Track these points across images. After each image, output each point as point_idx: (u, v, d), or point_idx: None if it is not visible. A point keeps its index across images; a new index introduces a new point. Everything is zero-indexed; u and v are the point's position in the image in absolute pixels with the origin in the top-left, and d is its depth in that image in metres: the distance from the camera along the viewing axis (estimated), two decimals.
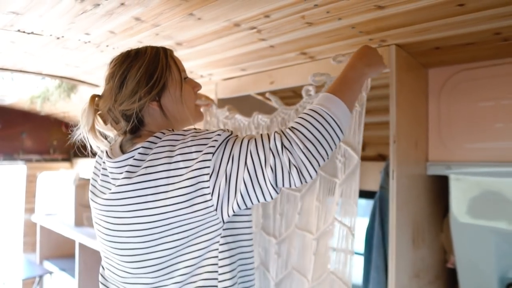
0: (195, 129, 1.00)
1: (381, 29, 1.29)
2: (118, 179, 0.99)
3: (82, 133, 1.05)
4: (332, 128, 0.95)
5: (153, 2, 1.20)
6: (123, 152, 1.04)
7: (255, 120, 1.76)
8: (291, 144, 0.91)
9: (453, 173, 1.56)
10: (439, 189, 1.70)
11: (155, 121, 1.08)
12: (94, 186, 1.11)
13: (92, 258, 3.25)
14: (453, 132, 1.57)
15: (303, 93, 1.53)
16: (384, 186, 1.64)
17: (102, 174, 1.07)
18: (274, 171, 0.90)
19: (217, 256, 0.96)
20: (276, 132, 0.95)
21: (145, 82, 1.03)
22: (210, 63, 1.82)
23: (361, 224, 1.77)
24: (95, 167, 1.16)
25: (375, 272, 1.58)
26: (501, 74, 1.46)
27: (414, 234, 1.52)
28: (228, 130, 0.99)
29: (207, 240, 0.96)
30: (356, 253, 2.54)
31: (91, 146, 1.07)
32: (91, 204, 1.10)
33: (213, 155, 0.92)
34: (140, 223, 0.95)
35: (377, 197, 1.67)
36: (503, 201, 1.47)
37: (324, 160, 0.93)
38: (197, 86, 1.19)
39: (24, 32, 1.52)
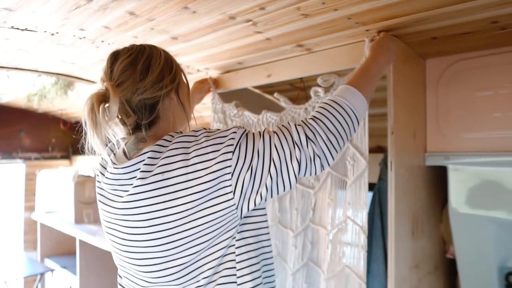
0: (204, 129, 0.98)
1: (378, 19, 1.28)
2: (129, 185, 0.95)
3: (90, 139, 0.92)
4: (352, 121, 1.00)
5: None
6: (128, 158, 0.99)
7: (264, 117, 1.77)
8: (314, 136, 0.94)
9: (451, 163, 1.55)
10: (438, 179, 1.70)
11: (170, 116, 1.04)
12: (102, 195, 1.05)
13: (93, 255, 3.26)
14: (451, 122, 1.56)
15: (312, 93, 1.56)
16: (383, 178, 1.63)
17: (108, 183, 1.01)
18: (299, 163, 0.93)
19: (234, 252, 0.96)
20: (297, 124, 0.96)
21: (169, 70, 1.02)
22: (206, 57, 1.81)
23: None
24: (98, 175, 1.09)
25: (375, 263, 1.58)
26: (499, 63, 1.46)
27: (413, 225, 1.52)
28: (241, 127, 0.98)
29: (227, 238, 0.95)
30: None
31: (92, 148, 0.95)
32: (102, 214, 1.05)
33: (233, 154, 0.91)
34: (159, 231, 0.92)
35: (376, 189, 1.66)
36: (501, 190, 1.46)
37: (341, 150, 0.97)
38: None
39: (18, 28, 1.51)
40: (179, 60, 1.84)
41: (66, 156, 4.58)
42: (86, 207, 3.57)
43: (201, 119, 2.96)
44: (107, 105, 0.92)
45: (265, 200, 0.95)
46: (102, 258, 3.24)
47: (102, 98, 0.92)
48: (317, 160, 0.94)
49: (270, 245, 1.06)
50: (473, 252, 1.58)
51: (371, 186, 1.76)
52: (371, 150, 2.34)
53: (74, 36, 1.60)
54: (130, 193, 0.94)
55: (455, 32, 1.34)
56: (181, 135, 0.96)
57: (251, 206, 0.93)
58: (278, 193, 0.95)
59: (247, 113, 1.85)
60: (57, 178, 3.85)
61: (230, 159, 0.91)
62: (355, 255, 1.44)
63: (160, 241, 0.92)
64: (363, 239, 1.41)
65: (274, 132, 0.97)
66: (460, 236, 1.60)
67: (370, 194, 1.73)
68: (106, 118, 0.91)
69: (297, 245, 1.68)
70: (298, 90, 2.01)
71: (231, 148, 0.91)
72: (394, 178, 1.37)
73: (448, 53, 1.56)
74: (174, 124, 1.06)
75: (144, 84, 0.97)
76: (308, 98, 2.09)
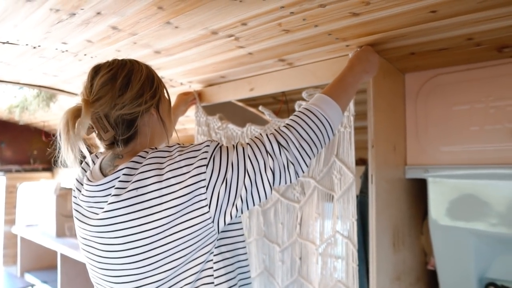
0: (178, 144, 0.99)
1: (357, 35, 1.31)
2: (104, 202, 0.95)
3: (64, 154, 0.93)
4: (325, 128, 1.00)
5: (129, 11, 1.20)
6: (104, 175, 0.99)
7: (248, 130, 1.78)
8: (287, 142, 0.96)
9: (430, 176, 1.58)
10: (419, 192, 1.72)
11: (148, 132, 1.03)
12: (78, 212, 1.04)
13: (74, 269, 3.21)
14: (430, 135, 1.59)
15: (296, 107, 1.57)
16: (364, 191, 1.65)
17: (84, 200, 1.00)
18: (273, 172, 0.94)
19: (212, 267, 0.96)
20: (269, 133, 0.97)
21: (149, 85, 1.02)
22: (189, 71, 1.82)
23: None
24: (75, 190, 1.09)
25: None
26: (475, 78, 1.49)
27: (394, 237, 1.53)
28: (214, 140, 0.98)
29: (204, 253, 0.94)
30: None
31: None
32: (78, 230, 1.05)
33: (207, 167, 0.91)
34: (134, 247, 0.91)
35: (358, 201, 1.68)
36: (479, 203, 1.49)
37: (314, 158, 0.98)
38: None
39: None
40: (162, 73, 1.86)
41: (48, 169, 4.52)
42: (68, 220, 3.52)
43: (185, 131, 2.96)
44: (79, 120, 0.93)
45: (241, 212, 0.95)
46: (84, 272, 3.19)
47: (77, 113, 0.93)
48: (291, 168, 0.95)
49: (246, 259, 1.07)
50: (453, 264, 1.60)
51: None
52: None
53: (56, 49, 1.60)
54: (105, 210, 0.93)
55: (432, 48, 1.38)
56: (155, 150, 0.96)
57: (228, 219, 0.93)
58: (254, 204, 0.96)
59: (231, 126, 1.86)
60: (39, 191, 3.80)
61: (204, 172, 0.91)
62: (346, 270, 1.45)
63: (136, 258, 0.92)
64: (353, 253, 1.42)
65: (247, 143, 0.98)
66: (440, 247, 1.62)
67: None
68: (79, 133, 0.92)
69: (284, 260, 1.67)
70: (280, 103, 2.04)
71: (204, 162, 0.92)
72: (375, 191, 1.39)
73: (426, 68, 1.59)
74: (152, 140, 1.05)
75: (123, 99, 0.96)
76: (290, 111, 2.11)
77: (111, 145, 1.01)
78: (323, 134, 1.00)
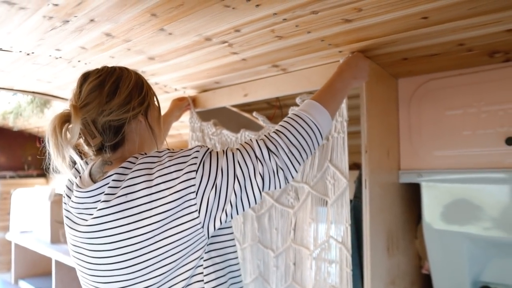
0: (168, 149, 0.99)
1: (349, 41, 1.32)
2: (94, 208, 0.94)
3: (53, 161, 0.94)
4: (314, 134, 1.01)
5: (122, 18, 1.20)
6: (93, 181, 0.99)
7: (243, 136, 1.78)
8: (276, 148, 0.96)
9: (424, 180, 1.59)
10: (412, 196, 1.73)
11: (136, 139, 1.04)
12: (69, 218, 1.04)
13: (69, 275, 3.19)
14: (423, 140, 1.60)
15: (290, 112, 1.57)
16: (358, 195, 1.66)
17: (74, 207, 1.00)
18: (262, 178, 0.94)
19: (202, 272, 0.96)
20: (258, 139, 0.98)
21: (137, 92, 1.02)
22: (183, 77, 1.82)
23: None
24: (65, 197, 1.08)
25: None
26: (467, 83, 1.51)
27: (388, 242, 1.54)
28: (204, 145, 0.99)
29: (195, 259, 0.94)
30: None
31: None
32: (68, 237, 1.05)
33: (196, 172, 0.92)
34: (124, 253, 0.91)
35: (352, 206, 1.68)
36: (472, 206, 1.50)
37: (303, 163, 0.97)
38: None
39: None
40: (156, 79, 1.86)
41: (43, 175, 4.51)
42: (62, 227, 3.50)
43: (180, 137, 2.97)
44: (71, 125, 0.93)
45: (231, 217, 0.95)
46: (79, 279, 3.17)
47: (65, 119, 0.94)
48: (280, 173, 0.96)
49: (237, 264, 1.07)
50: (447, 267, 1.61)
51: None
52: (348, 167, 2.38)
53: (50, 56, 1.60)
54: (95, 217, 0.93)
55: (424, 53, 1.39)
56: (145, 156, 0.96)
57: (217, 224, 0.94)
58: (243, 209, 0.96)
59: (225, 131, 1.86)
60: (33, 197, 3.78)
61: (194, 177, 0.91)
62: (340, 275, 1.44)
63: (126, 264, 0.92)
64: (346, 258, 1.42)
65: (237, 149, 0.98)
66: (434, 251, 1.63)
67: None
68: (67, 139, 0.92)
69: (278, 265, 1.68)
70: (274, 108, 2.04)
71: (194, 167, 0.92)
72: (369, 195, 1.39)
73: (419, 73, 1.61)
74: (142, 147, 1.06)
75: (110, 106, 0.97)
76: (284, 116, 2.11)
77: (99, 151, 1.01)
78: (312, 140, 1.01)
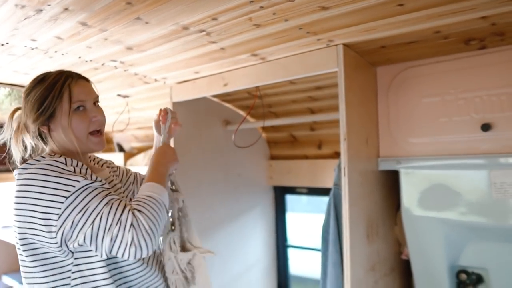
0: (65, 160, 1.09)
1: (327, 29, 1.32)
2: None
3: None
4: (162, 212, 1.07)
5: (97, 6, 1.19)
6: None
7: None
8: (139, 225, 0.99)
9: (402, 167, 1.61)
10: (392, 184, 1.75)
11: (51, 144, 1.17)
12: None
13: None
14: (401, 128, 1.62)
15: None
16: (338, 183, 1.67)
17: None
18: (113, 241, 0.97)
19: (69, 284, 1.06)
20: (131, 208, 1.01)
21: (36, 108, 1.12)
22: (162, 67, 1.80)
23: (319, 221, 1.80)
24: None
25: (332, 267, 1.61)
26: (444, 70, 1.52)
27: (368, 229, 1.56)
28: (91, 177, 1.06)
29: (61, 267, 1.06)
30: (314, 249, 2.58)
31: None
32: None
33: (66, 199, 0.99)
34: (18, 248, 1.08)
35: (331, 194, 1.70)
36: (449, 192, 1.53)
37: (155, 240, 1.02)
38: (96, 116, 1.19)
39: None
40: (135, 70, 1.84)
41: None
42: None
43: None
44: None
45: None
46: None
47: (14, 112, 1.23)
48: (133, 248, 0.97)
49: (109, 278, 1.10)
50: (425, 253, 1.63)
51: (327, 191, 1.80)
52: (329, 156, 2.40)
53: (25, 46, 1.57)
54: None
55: (401, 41, 1.40)
56: (47, 160, 1.08)
57: (73, 247, 1.02)
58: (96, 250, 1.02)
59: None
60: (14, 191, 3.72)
61: (62, 202, 0.99)
62: None
63: (22, 255, 1.09)
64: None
65: (112, 202, 1.02)
66: (413, 237, 1.65)
67: (326, 198, 1.77)
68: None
69: None
70: (254, 98, 2.04)
71: (66, 194, 0.99)
72: (348, 183, 1.40)
73: (397, 61, 1.62)
74: (60, 148, 1.17)
75: (25, 113, 1.14)
76: (264, 106, 2.12)
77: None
78: (161, 216, 1.06)
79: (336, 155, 2.33)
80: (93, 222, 0.98)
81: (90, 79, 1.26)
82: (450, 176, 1.53)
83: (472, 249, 1.56)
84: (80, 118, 1.16)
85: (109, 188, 1.08)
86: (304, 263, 2.83)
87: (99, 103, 1.23)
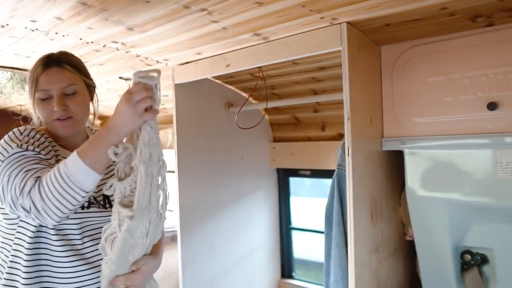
0: (30, 131, 1.20)
1: (331, 6, 1.29)
2: None
3: None
4: (60, 183, 1.01)
5: None
6: None
7: None
8: (35, 192, 1.01)
9: (407, 147, 1.59)
10: (396, 164, 1.74)
11: (38, 120, 1.29)
12: None
13: None
14: (406, 107, 1.60)
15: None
16: (341, 164, 1.66)
17: None
18: (13, 202, 1.04)
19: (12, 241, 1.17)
20: (40, 179, 1.03)
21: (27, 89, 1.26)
22: (164, 48, 1.79)
23: (322, 205, 1.80)
24: None
25: (335, 249, 1.61)
26: (450, 49, 1.49)
27: (372, 210, 1.55)
28: (31, 146, 1.14)
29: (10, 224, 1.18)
30: (318, 232, 2.59)
31: None
32: None
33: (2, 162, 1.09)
34: None
35: (335, 175, 1.69)
36: (454, 172, 1.51)
37: (66, 209, 1.02)
38: (57, 106, 1.20)
39: None
40: (137, 51, 1.83)
41: None
42: None
43: (165, 111, 2.93)
44: None
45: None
46: None
47: None
48: (32, 214, 1.02)
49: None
50: (430, 233, 1.63)
51: (330, 173, 1.79)
52: (333, 138, 2.39)
53: (26, 28, 1.56)
54: None
55: (406, 18, 1.37)
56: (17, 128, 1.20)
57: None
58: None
59: None
60: None
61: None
62: None
63: None
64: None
65: (29, 169, 1.07)
66: (417, 218, 1.65)
67: (329, 181, 1.76)
68: None
69: None
70: (257, 79, 2.02)
71: (2, 157, 1.11)
72: (352, 163, 1.39)
73: (401, 40, 1.59)
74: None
75: None
76: (267, 87, 2.10)
77: None
78: (66, 190, 1.01)
79: (340, 137, 2.31)
80: (2, 181, 1.07)
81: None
82: (455, 156, 1.51)
83: (477, 229, 1.55)
84: (42, 106, 1.23)
85: (44, 159, 1.13)
86: (308, 246, 2.84)
87: (75, 90, 1.24)
